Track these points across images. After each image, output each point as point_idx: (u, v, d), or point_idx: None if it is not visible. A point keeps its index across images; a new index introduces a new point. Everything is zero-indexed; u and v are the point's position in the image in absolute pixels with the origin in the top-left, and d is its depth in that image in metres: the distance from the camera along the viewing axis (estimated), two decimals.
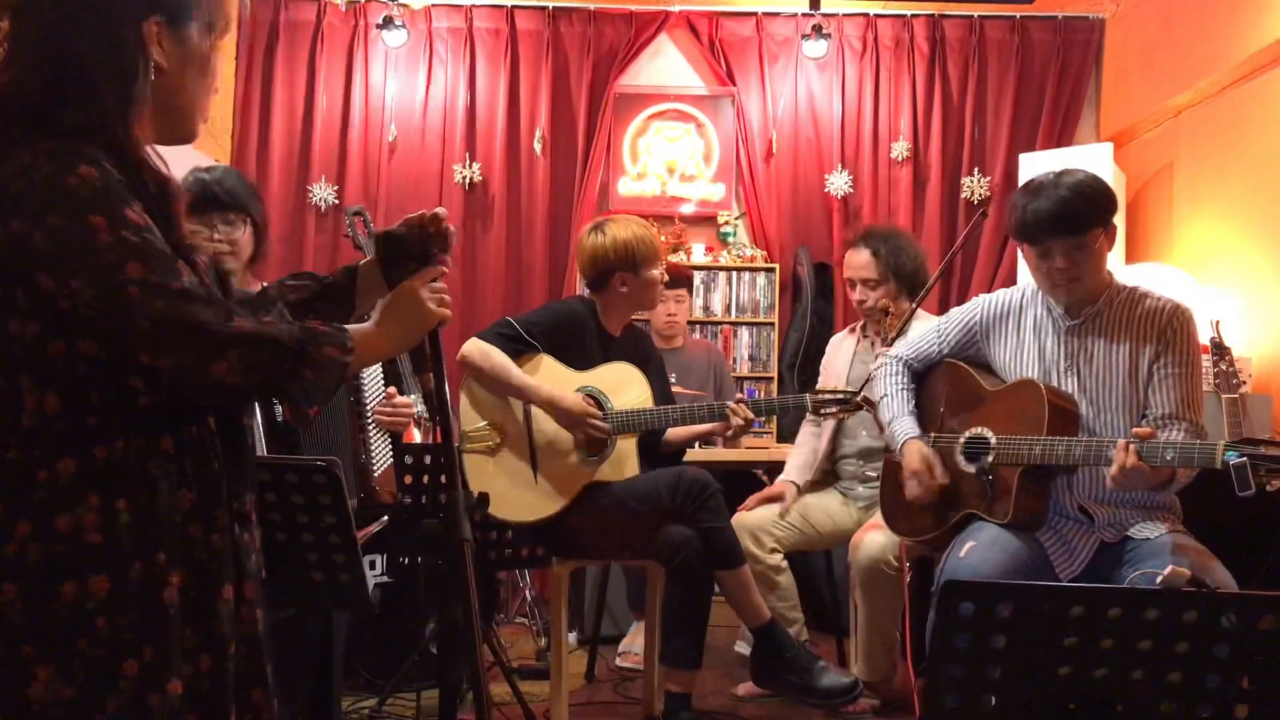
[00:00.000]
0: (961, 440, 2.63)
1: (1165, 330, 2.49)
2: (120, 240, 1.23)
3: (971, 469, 2.59)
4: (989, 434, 2.56)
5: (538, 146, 5.54)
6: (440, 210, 1.57)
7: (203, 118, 1.45)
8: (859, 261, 3.46)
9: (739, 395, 3.20)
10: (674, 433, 3.16)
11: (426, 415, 2.89)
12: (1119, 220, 2.68)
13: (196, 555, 1.31)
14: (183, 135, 1.43)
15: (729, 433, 3.08)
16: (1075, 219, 2.45)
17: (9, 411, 1.26)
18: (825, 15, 5.51)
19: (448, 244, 1.56)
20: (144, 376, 1.26)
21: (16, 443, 1.26)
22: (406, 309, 1.49)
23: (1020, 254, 2.67)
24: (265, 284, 2.64)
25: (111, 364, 1.26)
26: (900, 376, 2.85)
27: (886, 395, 2.85)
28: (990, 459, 2.54)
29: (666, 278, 3.19)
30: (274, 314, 1.44)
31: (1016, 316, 2.67)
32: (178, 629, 1.28)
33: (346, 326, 1.42)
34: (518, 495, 2.95)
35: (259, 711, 1.36)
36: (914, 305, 3.38)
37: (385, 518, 2.76)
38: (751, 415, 3.01)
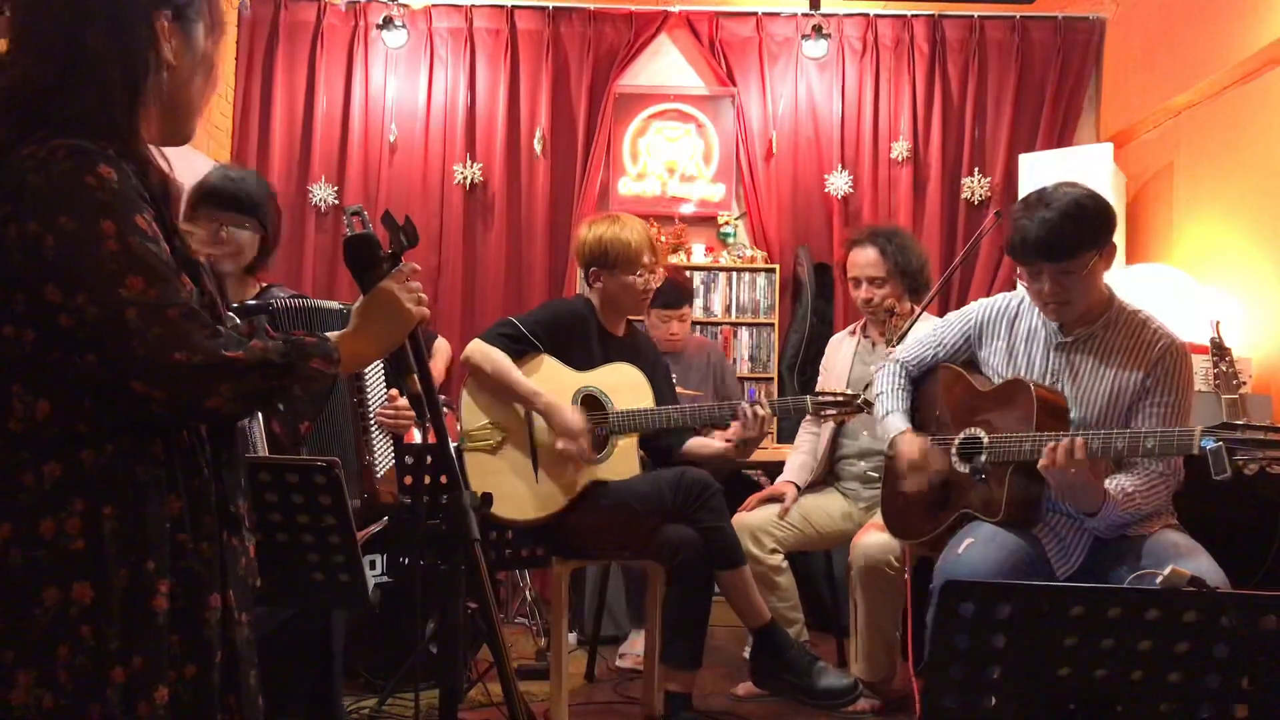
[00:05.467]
0: (956, 442, 2.63)
1: (1156, 365, 2.45)
2: (126, 249, 1.23)
3: (966, 469, 2.60)
4: (982, 434, 2.57)
5: (538, 146, 5.54)
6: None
7: (200, 119, 1.45)
8: (865, 259, 3.45)
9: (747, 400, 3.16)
10: (692, 448, 3.13)
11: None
12: (1119, 221, 2.67)
13: (185, 563, 1.30)
14: (181, 136, 1.43)
15: (744, 437, 2.94)
16: (1062, 245, 2.39)
17: None
18: (825, 15, 5.52)
19: (415, 238, 1.55)
20: (134, 402, 1.25)
21: (1, 446, 1.24)
22: (385, 310, 1.48)
23: None
24: (264, 284, 2.65)
25: (108, 374, 1.25)
26: (897, 377, 2.87)
27: (882, 393, 2.87)
28: (983, 458, 2.55)
29: (651, 287, 3.13)
30: (258, 328, 1.44)
31: (1010, 323, 2.66)
32: (166, 637, 1.27)
33: (329, 335, 1.42)
34: (519, 494, 2.95)
35: (232, 714, 1.35)
36: (921, 308, 3.38)
37: (386, 519, 2.76)
38: (763, 411, 2.89)
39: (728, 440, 3.01)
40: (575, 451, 2.93)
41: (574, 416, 2.95)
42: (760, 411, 2.91)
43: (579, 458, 2.94)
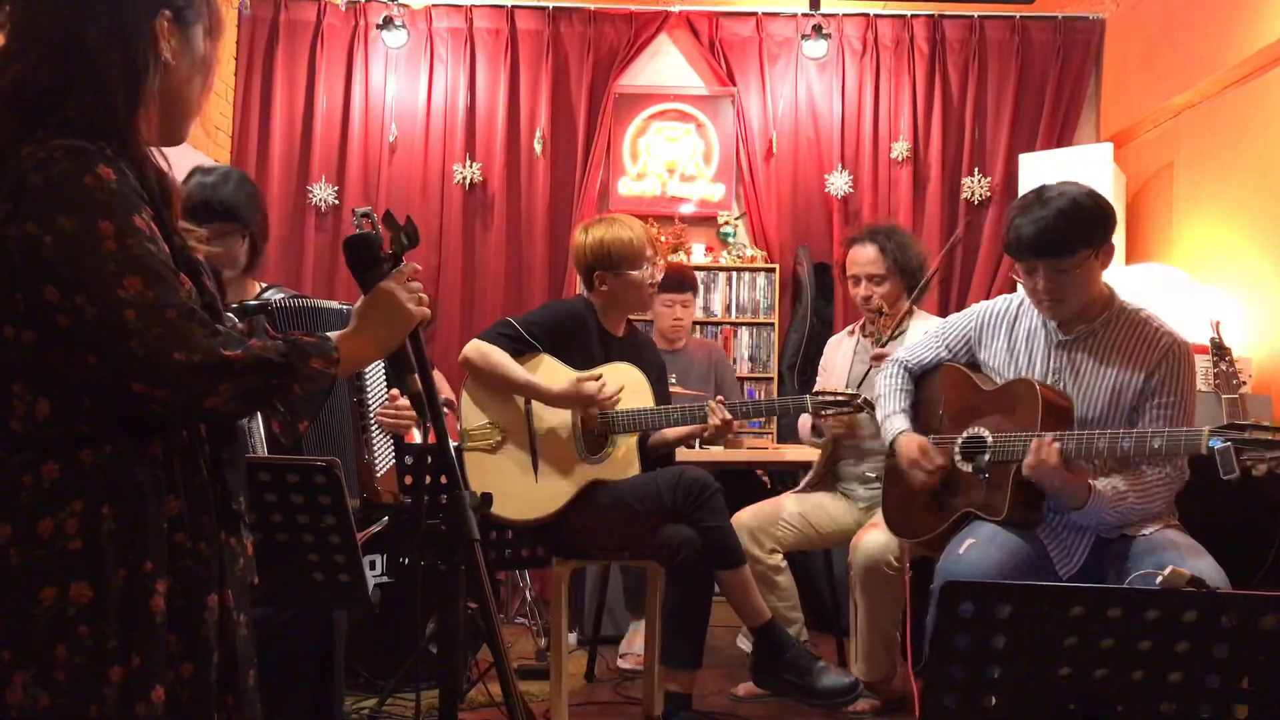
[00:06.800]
0: (959, 441, 2.63)
1: (1160, 365, 2.46)
2: (124, 249, 1.22)
3: (969, 468, 2.60)
4: (985, 433, 2.57)
5: (538, 146, 5.54)
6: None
7: (197, 121, 1.45)
8: (865, 257, 3.45)
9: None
10: (656, 437, 3.15)
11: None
12: (1119, 221, 2.67)
13: (183, 563, 1.30)
14: (176, 137, 1.42)
15: (705, 434, 3.05)
16: (1057, 243, 2.40)
17: None
18: (825, 15, 5.52)
19: (415, 238, 1.55)
20: (134, 402, 1.25)
21: (1, 446, 1.24)
22: (385, 311, 1.47)
23: None
24: (262, 285, 2.65)
25: (107, 374, 1.25)
26: (897, 378, 2.87)
27: (882, 395, 2.87)
28: (986, 458, 2.55)
29: (655, 279, 3.16)
30: (258, 328, 1.44)
31: (1010, 324, 2.67)
32: (163, 637, 1.27)
33: (330, 335, 1.41)
34: (519, 494, 2.95)
35: (230, 714, 1.35)
36: (909, 303, 3.38)
37: (385, 519, 2.76)
38: (728, 415, 3.00)
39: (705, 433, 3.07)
40: (602, 401, 2.93)
41: (571, 382, 2.94)
42: (725, 415, 2.98)
43: (608, 404, 2.94)
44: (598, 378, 2.98)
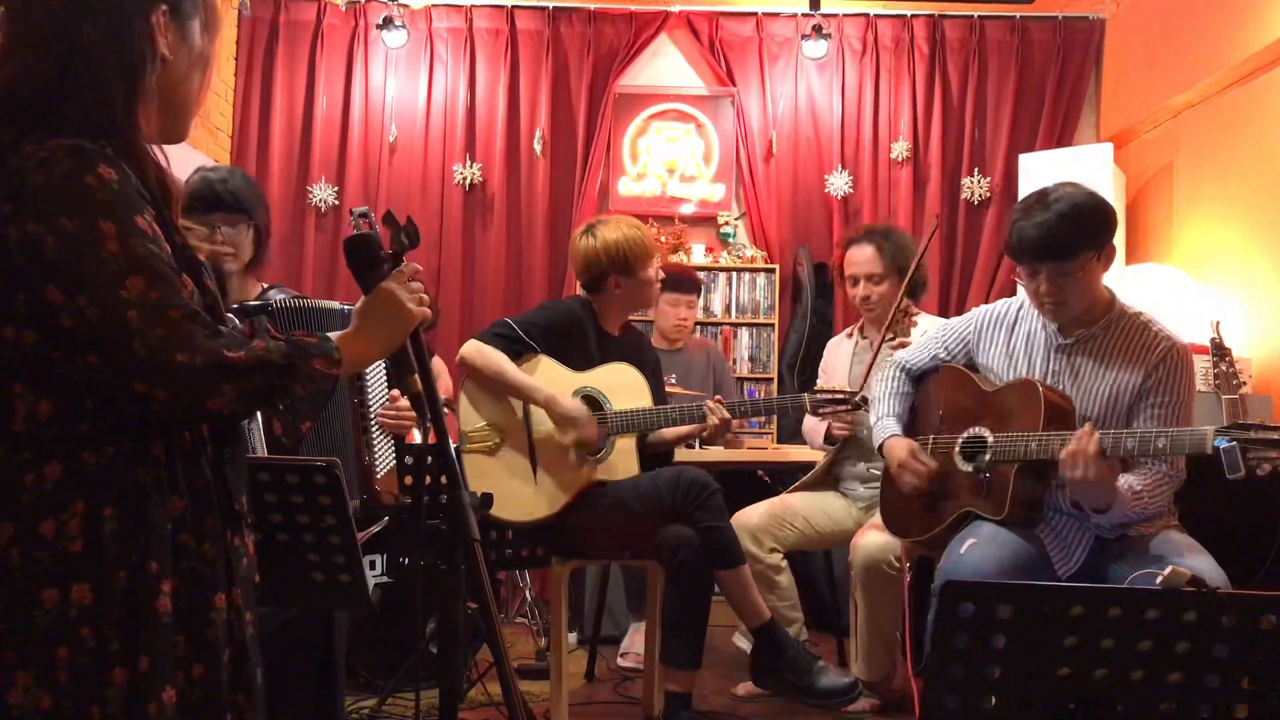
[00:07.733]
0: (959, 440, 2.63)
1: (1158, 367, 2.45)
2: (127, 250, 1.22)
3: (969, 468, 2.60)
4: (986, 433, 2.57)
5: (538, 147, 5.54)
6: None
7: (195, 117, 1.45)
8: (862, 257, 3.46)
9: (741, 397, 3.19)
10: (655, 435, 3.16)
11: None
12: (1119, 221, 2.67)
13: (188, 563, 1.30)
14: (177, 134, 1.42)
15: (705, 433, 3.07)
16: (1060, 245, 2.40)
17: None
18: (825, 15, 5.52)
19: (416, 238, 1.55)
20: (135, 402, 1.25)
21: (3, 446, 1.24)
22: (385, 311, 1.47)
23: None
24: (265, 285, 2.65)
25: (109, 375, 1.25)
26: (894, 381, 2.87)
27: (877, 398, 2.88)
28: (987, 457, 2.55)
29: (662, 276, 3.18)
30: (260, 328, 1.43)
31: (1009, 328, 2.67)
32: (171, 638, 1.27)
33: (331, 335, 1.41)
34: (518, 495, 2.95)
35: (242, 713, 1.35)
36: (898, 298, 3.39)
37: (386, 519, 2.76)
38: (727, 415, 3.00)
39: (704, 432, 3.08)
40: (582, 439, 2.93)
41: (576, 405, 2.95)
42: (723, 414, 2.99)
43: (587, 444, 2.93)
44: (598, 405, 3.00)
